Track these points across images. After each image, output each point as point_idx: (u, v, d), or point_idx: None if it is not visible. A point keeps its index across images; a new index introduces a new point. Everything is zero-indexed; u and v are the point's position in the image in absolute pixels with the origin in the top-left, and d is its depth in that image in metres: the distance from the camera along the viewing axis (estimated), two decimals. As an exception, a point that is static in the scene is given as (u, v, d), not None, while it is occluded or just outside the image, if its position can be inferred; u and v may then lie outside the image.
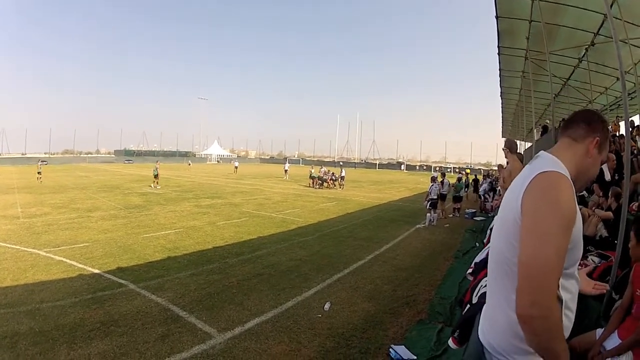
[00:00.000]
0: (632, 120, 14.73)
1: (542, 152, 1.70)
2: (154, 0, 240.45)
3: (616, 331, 3.00)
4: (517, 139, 27.59)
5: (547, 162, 1.58)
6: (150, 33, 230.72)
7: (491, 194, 18.22)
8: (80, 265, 7.65)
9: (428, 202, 14.44)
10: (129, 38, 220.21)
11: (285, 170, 40.20)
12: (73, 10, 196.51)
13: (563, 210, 1.38)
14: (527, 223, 1.43)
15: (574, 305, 1.58)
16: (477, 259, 5.84)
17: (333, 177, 29.07)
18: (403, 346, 4.73)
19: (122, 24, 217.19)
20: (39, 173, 28.36)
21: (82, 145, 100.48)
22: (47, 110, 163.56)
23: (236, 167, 48.23)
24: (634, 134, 11.25)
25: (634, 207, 6.48)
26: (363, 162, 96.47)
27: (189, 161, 66.10)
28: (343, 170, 29.88)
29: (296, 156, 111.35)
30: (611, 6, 8.50)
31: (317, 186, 28.48)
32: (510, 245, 1.51)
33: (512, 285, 1.47)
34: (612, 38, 5.25)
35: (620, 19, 9.06)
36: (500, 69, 17.35)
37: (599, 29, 10.56)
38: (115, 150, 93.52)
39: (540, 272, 1.33)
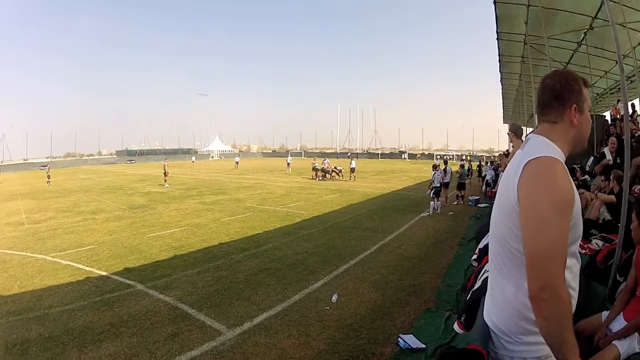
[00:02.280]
0: (632, 104, 14.77)
1: (531, 135, 1.70)
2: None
3: (622, 313, 3.01)
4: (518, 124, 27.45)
5: (538, 146, 1.58)
6: (146, 28, 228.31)
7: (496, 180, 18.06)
8: (87, 268, 7.68)
9: (431, 190, 14.41)
10: (123, 33, 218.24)
11: (288, 164, 40.10)
12: (70, 10, 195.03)
13: (559, 194, 1.40)
14: (525, 210, 1.45)
15: (576, 284, 1.58)
16: (481, 245, 5.85)
17: (336, 169, 28.86)
18: (412, 335, 4.75)
19: (117, 21, 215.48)
20: (48, 177, 28.98)
21: (84, 147, 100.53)
22: (47, 113, 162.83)
23: (237, 163, 48.35)
24: (634, 116, 11.19)
25: (635, 189, 6.46)
26: (365, 152, 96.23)
27: (193, 158, 66.52)
28: (353, 161, 29.34)
29: (298, 149, 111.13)
30: (609, -11, 8.46)
31: (320, 178, 28.37)
32: (511, 231, 1.53)
33: (515, 268, 1.52)
34: (609, 21, 5.23)
35: (617, 3, 8.93)
36: (499, 55, 17.22)
37: (597, 13, 10.43)
38: (117, 151, 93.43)
39: (545, 257, 1.35)
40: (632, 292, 3.07)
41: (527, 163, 1.49)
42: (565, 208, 1.41)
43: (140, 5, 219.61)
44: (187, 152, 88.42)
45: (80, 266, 7.85)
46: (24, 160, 70.24)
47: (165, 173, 26.15)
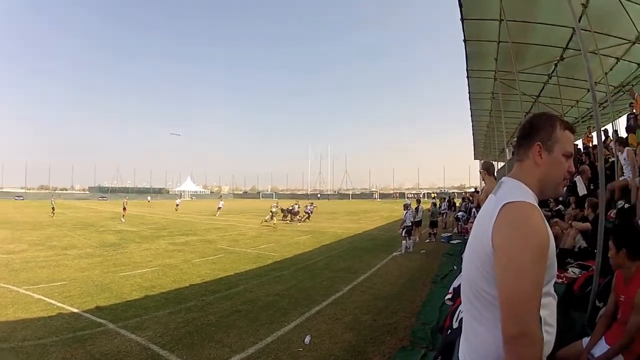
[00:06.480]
0: (605, 129, 14.63)
1: (505, 177, 1.74)
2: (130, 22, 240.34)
3: (604, 338, 3.06)
4: (490, 160, 27.15)
5: (512, 190, 1.59)
6: (122, 65, 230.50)
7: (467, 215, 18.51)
8: (59, 304, 7.64)
9: (403, 229, 14.54)
10: (100, 71, 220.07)
11: (219, 208, 36.85)
12: (46, 41, 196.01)
13: (535, 242, 1.40)
14: (501, 259, 1.44)
15: (553, 321, 1.57)
16: (455, 284, 5.99)
17: (304, 211, 29.19)
18: (387, 374, 4.77)
19: (94, 56, 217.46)
20: (52, 209, 30.46)
21: (57, 180, 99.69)
22: (23, 143, 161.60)
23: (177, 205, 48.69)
24: (607, 142, 11.36)
25: (611, 214, 6.72)
26: (336, 193, 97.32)
27: (148, 197, 68.61)
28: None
29: (269, 190, 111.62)
30: (579, 19, 8.54)
31: (288, 220, 28.48)
32: (482, 276, 1.53)
33: (487, 311, 1.52)
34: (581, 51, 5.26)
35: (589, 31, 9.08)
36: (469, 92, 17.55)
37: (568, 43, 10.70)
38: (89, 187, 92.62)
39: (522, 306, 1.36)
40: (613, 317, 3.13)
41: (502, 207, 1.50)
42: (542, 255, 1.41)
43: (122, 38, 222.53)
44: (159, 192, 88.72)
45: (52, 301, 7.80)
46: (-2, 188, 69.34)
47: (124, 209, 28.28)
